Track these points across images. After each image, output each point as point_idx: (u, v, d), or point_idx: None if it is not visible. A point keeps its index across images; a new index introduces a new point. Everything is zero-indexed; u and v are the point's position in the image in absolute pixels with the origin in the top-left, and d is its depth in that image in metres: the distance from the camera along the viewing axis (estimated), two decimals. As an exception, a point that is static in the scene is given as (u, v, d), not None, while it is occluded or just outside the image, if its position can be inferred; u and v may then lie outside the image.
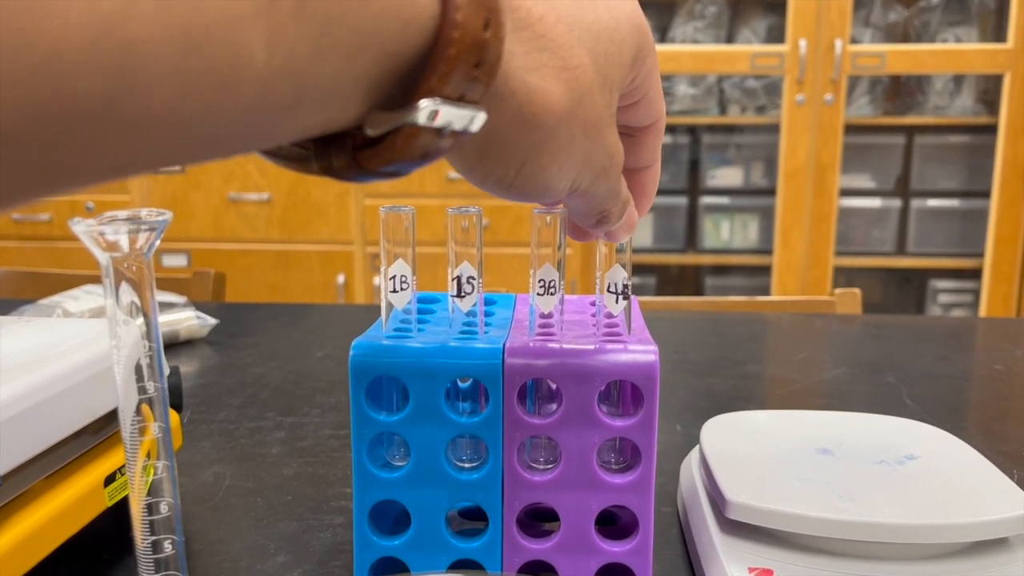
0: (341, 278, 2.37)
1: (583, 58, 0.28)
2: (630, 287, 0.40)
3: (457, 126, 0.24)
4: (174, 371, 0.51)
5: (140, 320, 0.29)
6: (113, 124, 0.17)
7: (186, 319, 0.91)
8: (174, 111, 0.18)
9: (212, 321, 0.93)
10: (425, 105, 0.23)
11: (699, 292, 2.65)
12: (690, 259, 2.57)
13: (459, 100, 0.23)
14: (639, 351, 0.38)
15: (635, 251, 2.53)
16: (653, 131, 0.35)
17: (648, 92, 0.33)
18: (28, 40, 0.15)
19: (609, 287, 0.40)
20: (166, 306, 0.92)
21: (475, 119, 0.24)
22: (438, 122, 0.23)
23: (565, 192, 0.31)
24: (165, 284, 1.19)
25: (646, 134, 0.35)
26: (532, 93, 0.26)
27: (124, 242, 0.28)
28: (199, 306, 0.99)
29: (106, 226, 0.27)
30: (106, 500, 0.43)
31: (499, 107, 0.26)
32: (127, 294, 0.29)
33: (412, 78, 0.23)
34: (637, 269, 2.57)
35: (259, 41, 0.19)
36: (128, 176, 0.19)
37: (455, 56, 0.22)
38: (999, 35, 2.36)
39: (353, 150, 0.24)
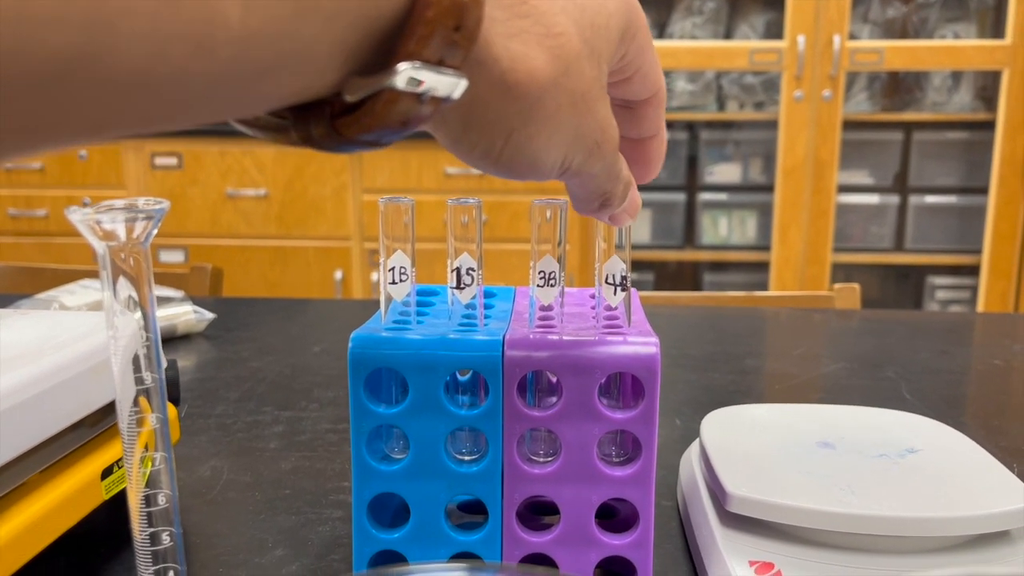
0: (339, 274, 2.37)
1: (567, 27, 0.27)
2: (629, 279, 0.40)
3: (438, 92, 0.23)
4: (171, 365, 0.50)
5: (137, 312, 0.29)
6: (85, 82, 0.17)
7: (183, 314, 0.90)
8: (149, 71, 0.18)
9: (209, 316, 0.93)
10: (403, 68, 0.22)
11: (697, 288, 2.65)
12: (688, 255, 2.57)
13: (439, 64, 0.23)
14: (639, 343, 0.38)
15: (633, 247, 2.52)
16: (653, 103, 0.34)
17: (641, 67, 0.32)
18: None
19: (607, 278, 0.40)
20: (163, 301, 0.92)
21: (457, 86, 0.24)
22: (418, 88, 0.23)
23: (556, 168, 0.30)
24: (162, 279, 1.19)
25: (645, 107, 0.34)
26: (514, 60, 0.26)
27: (121, 231, 0.27)
28: (196, 301, 0.98)
29: (103, 214, 0.27)
30: (103, 493, 0.43)
31: (481, 74, 0.25)
32: (124, 284, 0.29)
33: (391, 43, 0.22)
34: (635, 265, 2.57)
35: (235, 1, 0.18)
36: (106, 138, 0.19)
37: (433, 19, 0.22)
38: (997, 31, 2.36)
39: (331, 118, 0.23)
